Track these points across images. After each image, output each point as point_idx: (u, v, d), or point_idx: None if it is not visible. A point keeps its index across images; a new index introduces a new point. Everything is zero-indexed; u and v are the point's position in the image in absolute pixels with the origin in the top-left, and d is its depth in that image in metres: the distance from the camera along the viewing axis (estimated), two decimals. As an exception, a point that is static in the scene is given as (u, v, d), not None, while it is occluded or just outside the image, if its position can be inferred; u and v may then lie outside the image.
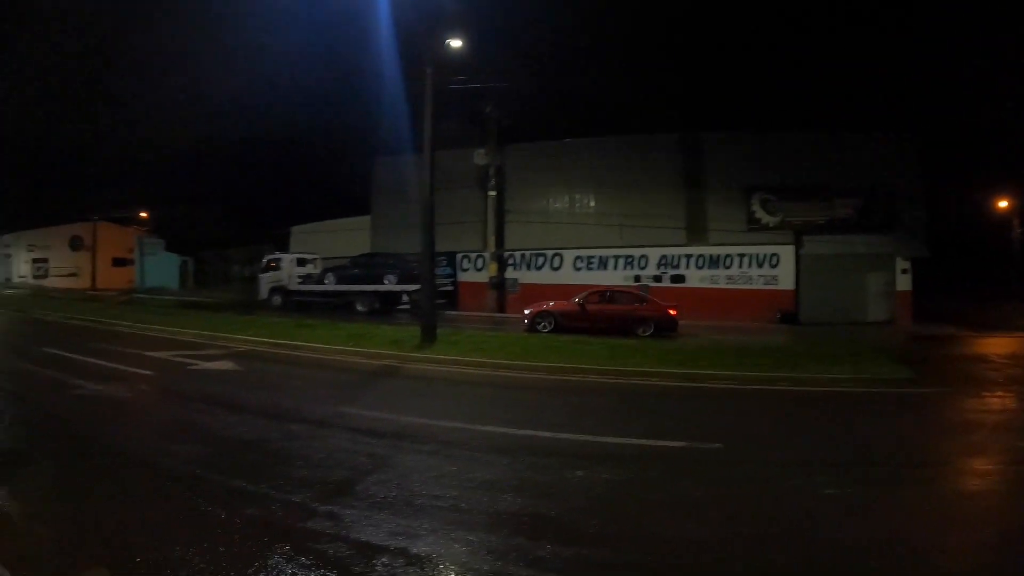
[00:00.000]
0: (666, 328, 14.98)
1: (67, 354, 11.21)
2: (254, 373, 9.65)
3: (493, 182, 22.27)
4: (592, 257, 21.48)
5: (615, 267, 21.27)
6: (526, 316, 15.57)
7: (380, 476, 4.60)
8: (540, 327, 15.05)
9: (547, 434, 5.68)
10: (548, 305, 15.78)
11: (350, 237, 28.04)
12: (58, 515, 4.01)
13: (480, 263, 23.15)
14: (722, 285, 20.10)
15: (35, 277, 47.23)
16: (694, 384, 8.42)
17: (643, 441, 5.45)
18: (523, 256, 22.60)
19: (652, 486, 4.47)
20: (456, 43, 12.71)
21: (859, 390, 8.34)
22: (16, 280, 47.53)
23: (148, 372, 9.37)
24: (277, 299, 22.37)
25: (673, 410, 7.27)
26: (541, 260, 22.34)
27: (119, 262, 45.93)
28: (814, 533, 3.69)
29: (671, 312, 15.30)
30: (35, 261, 48.22)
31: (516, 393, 8.27)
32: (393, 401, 7.65)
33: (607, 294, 16.20)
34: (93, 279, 40.13)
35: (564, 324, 14.74)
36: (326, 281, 21.50)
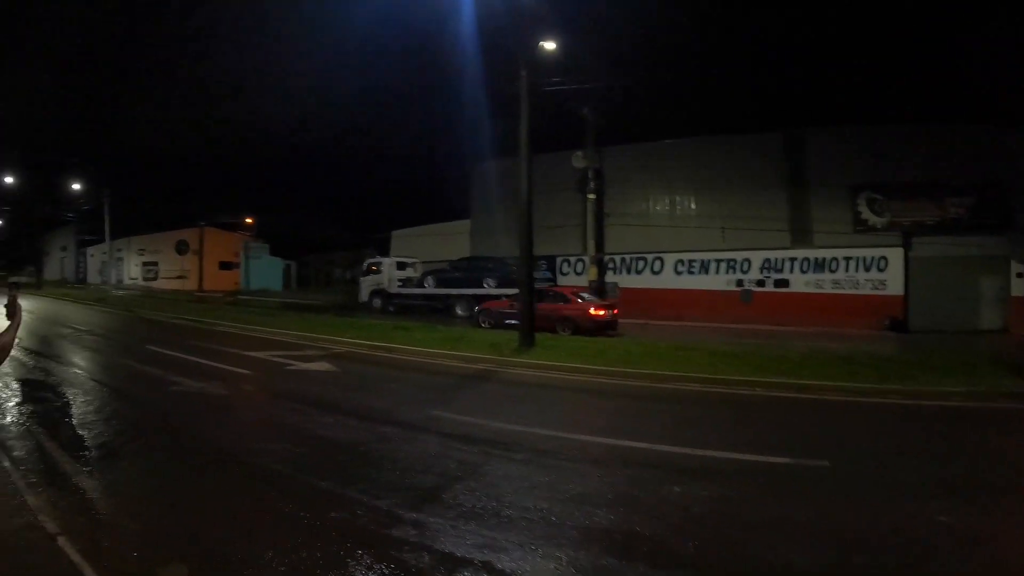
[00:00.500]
0: (589, 329, 16.63)
1: (169, 352, 13.13)
2: (350, 374, 10.71)
3: (592, 185, 23.93)
4: (693, 261, 23.48)
5: (716, 271, 23.01)
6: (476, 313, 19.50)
7: (469, 484, 4.97)
8: (483, 324, 18.84)
9: (644, 445, 6.01)
10: (489, 303, 19.83)
11: (450, 241, 31.80)
12: (146, 509, 4.60)
13: (580, 267, 25.22)
14: (827, 290, 21.50)
15: (145, 279, 57.61)
16: (800, 395, 8.81)
17: (745, 456, 5.69)
18: (623, 260, 24.78)
19: (754, 506, 4.61)
20: (550, 45, 13.99)
21: (974, 405, 8.51)
22: (127, 282, 57.50)
23: (246, 371, 10.74)
24: (377, 302, 25.72)
25: (777, 423, 7.56)
26: (641, 264, 24.50)
27: (225, 265, 53.97)
28: (929, 565, 3.80)
29: (593, 313, 17.36)
30: (145, 264, 59.35)
31: (614, 401, 8.75)
32: (487, 406, 8.24)
33: (540, 294, 17.63)
34: (200, 281, 46.23)
35: (499, 322, 17.99)
36: (426, 284, 24.38)
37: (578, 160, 23.77)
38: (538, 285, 18.94)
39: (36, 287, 51.87)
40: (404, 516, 4.34)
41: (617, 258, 24.83)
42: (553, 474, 5.24)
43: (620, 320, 18.47)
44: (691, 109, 34.47)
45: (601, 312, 17.61)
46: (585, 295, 19.26)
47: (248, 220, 54.51)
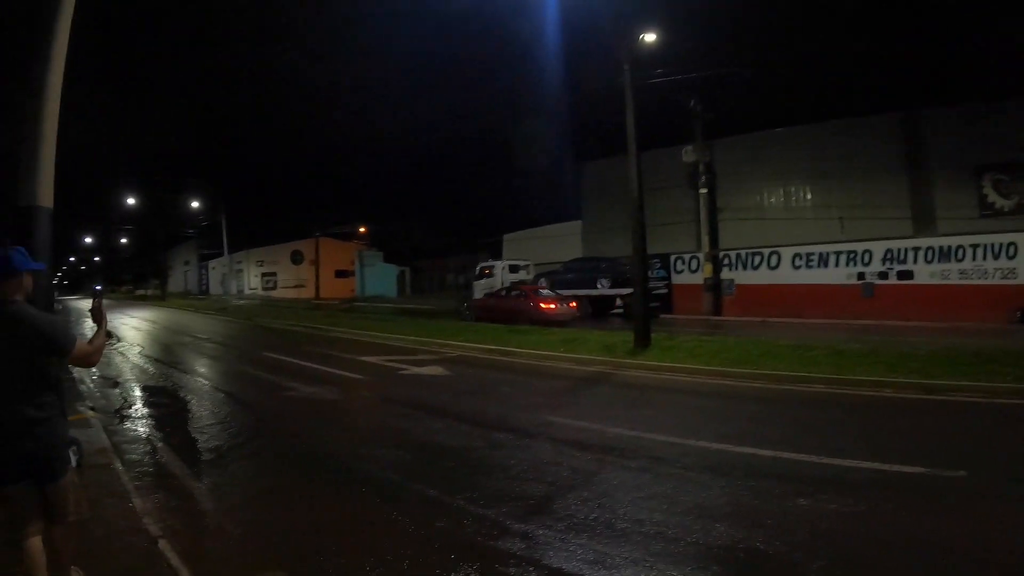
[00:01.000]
0: (543, 322, 19.62)
1: (285, 358, 14.02)
2: (463, 379, 10.95)
3: (703, 179, 25.03)
4: (811, 254, 23.36)
5: (836, 264, 22.74)
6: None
7: (582, 494, 4.90)
8: (467, 316, 23.20)
9: (767, 453, 5.91)
10: (476, 298, 24.79)
11: (562, 242, 33.93)
12: (250, 514, 4.79)
13: (695, 264, 25.82)
14: (954, 280, 20.82)
15: (264, 289, 63.79)
16: (931, 397, 8.53)
17: (875, 465, 5.50)
18: (738, 256, 25.10)
19: (887, 521, 4.42)
20: (651, 37, 14.10)
21: None
22: (247, 292, 64.37)
23: (359, 376, 11.23)
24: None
25: (908, 428, 7.30)
26: (757, 259, 24.61)
27: (341, 273, 59.10)
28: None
29: (543, 306, 20.82)
30: (264, 275, 65.51)
31: (734, 404, 8.64)
32: (602, 410, 8.17)
33: (508, 291, 23.09)
34: (317, 290, 50.77)
35: (482, 315, 22.05)
36: (539, 287, 25.18)
37: (688, 154, 24.87)
38: (652, 284, 20.68)
39: (160, 299, 58.15)
40: (512, 527, 4.30)
41: (732, 254, 25.17)
42: (670, 483, 5.17)
43: (735, 318, 20.35)
44: (802, 94, 33.44)
45: (552, 306, 20.95)
46: (544, 291, 22.63)
47: (362, 229, 58.64)
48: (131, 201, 44.47)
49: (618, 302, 23.40)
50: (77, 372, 11.52)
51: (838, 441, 6.36)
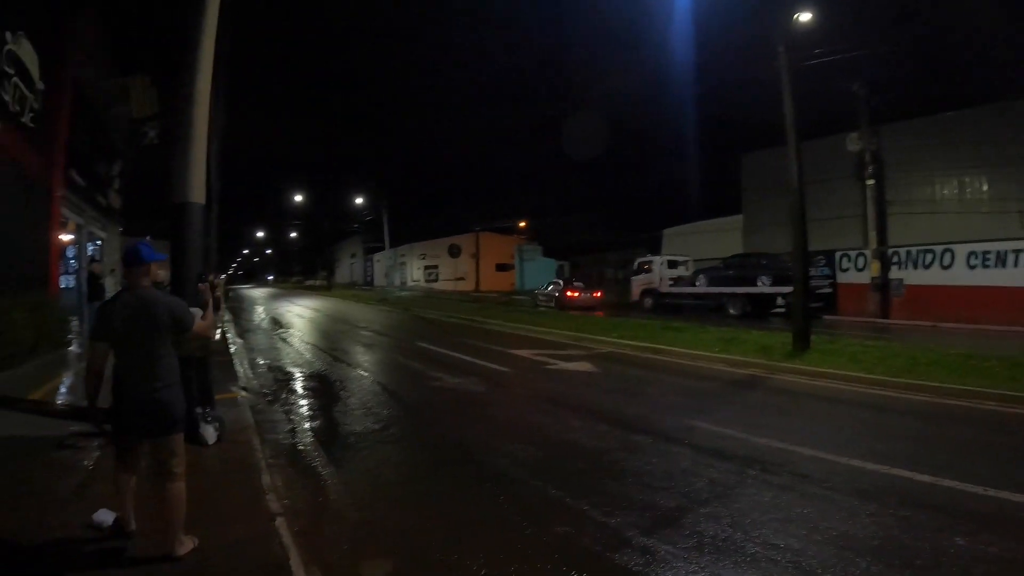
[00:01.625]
0: (567, 307, 26.83)
1: (436, 349, 14.52)
2: (610, 376, 10.80)
3: (870, 169, 24.04)
4: (988, 252, 21.33)
5: (1015, 263, 20.57)
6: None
7: (715, 509, 4.60)
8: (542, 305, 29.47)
9: (926, 478, 5.41)
10: (555, 292, 29.36)
11: (721, 237, 34.06)
12: (371, 500, 4.91)
13: (861, 262, 24.40)
14: None
15: (427, 281, 68.22)
16: None
17: None
18: (908, 253, 23.44)
19: None
20: (807, 15, 13.52)
21: None
22: (410, 284, 69.19)
23: (506, 369, 11.41)
24: (648, 301, 27.80)
25: None
26: (929, 257, 22.86)
27: (501, 267, 61.57)
28: None
29: (568, 295, 27.83)
30: (426, 267, 70.13)
31: (894, 419, 7.96)
32: (750, 417, 7.70)
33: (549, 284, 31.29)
34: (477, 282, 52.91)
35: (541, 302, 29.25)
36: (697, 283, 25.78)
37: (852, 142, 24.19)
38: (815, 282, 20.24)
39: (327, 289, 63.26)
40: (633, 540, 4.11)
41: (901, 251, 23.53)
42: (813, 506, 4.76)
43: (904, 322, 19.81)
44: (979, 73, 29.91)
45: (575, 295, 27.62)
46: (576, 283, 30.10)
47: (522, 224, 60.76)
48: (299, 198, 48.57)
49: (779, 301, 22.89)
50: (236, 355, 12.62)
51: (1010, 470, 5.64)
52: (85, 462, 5.46)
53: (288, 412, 8.14)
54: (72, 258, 17.20)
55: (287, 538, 3.92)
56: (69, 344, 11.22)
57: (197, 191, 6.71)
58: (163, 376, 3.84)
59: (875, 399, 8.86)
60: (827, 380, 10.13)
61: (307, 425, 7.43)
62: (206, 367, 6.76)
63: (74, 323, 13.60)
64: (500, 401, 8.97)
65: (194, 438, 5.99)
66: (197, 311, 4.24)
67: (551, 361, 12.25)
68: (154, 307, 3.80)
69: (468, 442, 6.67)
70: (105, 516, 4.07)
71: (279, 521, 4.17)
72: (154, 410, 3.78)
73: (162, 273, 5.29)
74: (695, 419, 7.44)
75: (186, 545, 3.73)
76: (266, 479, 5.01)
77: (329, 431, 7.14)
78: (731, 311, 23.55)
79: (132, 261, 3.87)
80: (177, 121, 6.86)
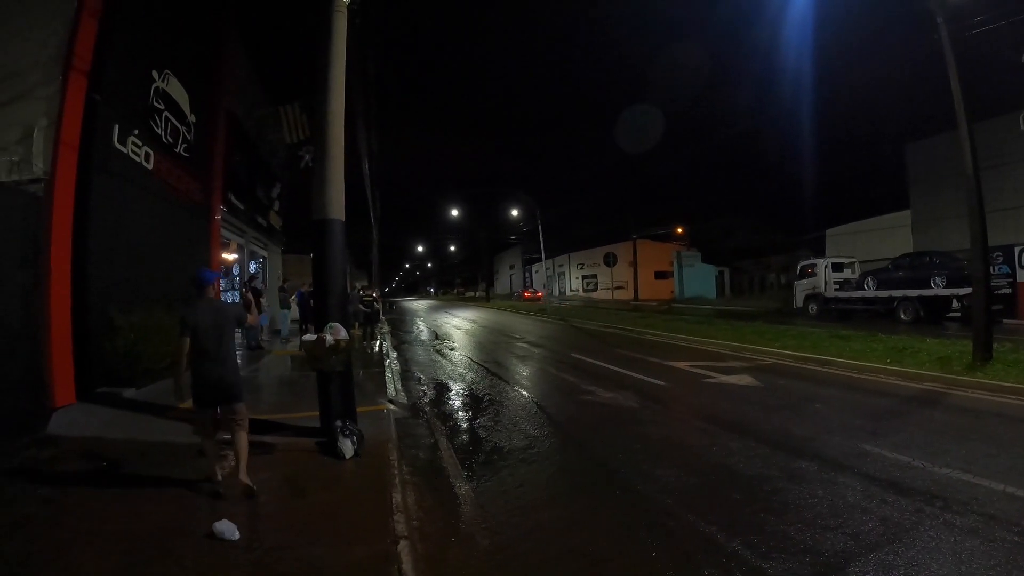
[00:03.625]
0: None
1: (591, 360, 14.26)
2: (773, 391, 10.00)
3: None
4: None
5: None
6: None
7: (887, 557, 3.97)
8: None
9: None
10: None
11: (889, 236, 32.93)
12: (504, 525, 4.68)
13: None
14: None
15: (585, 291, 68.84)
16: None
17: None
18: None
19: None
20: None
21: None
22: (568, 293, 70.02)
23: (661, 383, 10.90)
24: (813, 307, 26.30)
25: None
26: None
27: (660, 275, 61.17)
28: None
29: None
30: (585, 277, 70.95)
31: None
32: (929, 442, 6.77)
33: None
34: (635, 291, 52.29)
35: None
36: (865, 286, 24.03)
37: None
38: (995, 282, 18.47)
39: (485, 300, 65.24)
40: None
41: None
42: (1002, 556, 3.96)
43: None
44: None
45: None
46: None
47: (679, 230, 59.65)
48: (457, 212, 50.65)
49: (954, 304, 20.72)
50: (388, 369, 12.96)
51: None
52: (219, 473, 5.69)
53: (432, 427, 8.14)
54: (236, 275, 18.63)
55: (407, 564, 3.75)
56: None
57: (336, 207, 6.88)
58: (230, 360, 5.43)
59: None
60: (1014, 397, 8.98)
61: (450, 441, 7.36)
62: (347, 381, 6.88)
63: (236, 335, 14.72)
64: (653, 418, 8.48)
65: (331, 451, 6.07)
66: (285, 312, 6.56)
67: (710, 374, 11.63)
68: (223, 309, 5.65)
69: (616, 464, 6.27)
70: (226, 527, 4.15)
71: (403, 545, 4.01)
72: (223, 384, 5.34)
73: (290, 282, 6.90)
74: (866, 443, 6.67)
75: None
76: (397, 497, 4.92)
77: (471, 447, 7.04)
78: (902, 316, 21.85)
79: (203, 282, 5.63)
80: (315, 141, 7.10)
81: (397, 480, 5.38)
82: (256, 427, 7.24)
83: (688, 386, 10.73)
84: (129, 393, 8.97)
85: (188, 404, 5.38)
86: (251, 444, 6.06)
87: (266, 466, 5.85)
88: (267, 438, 6.78)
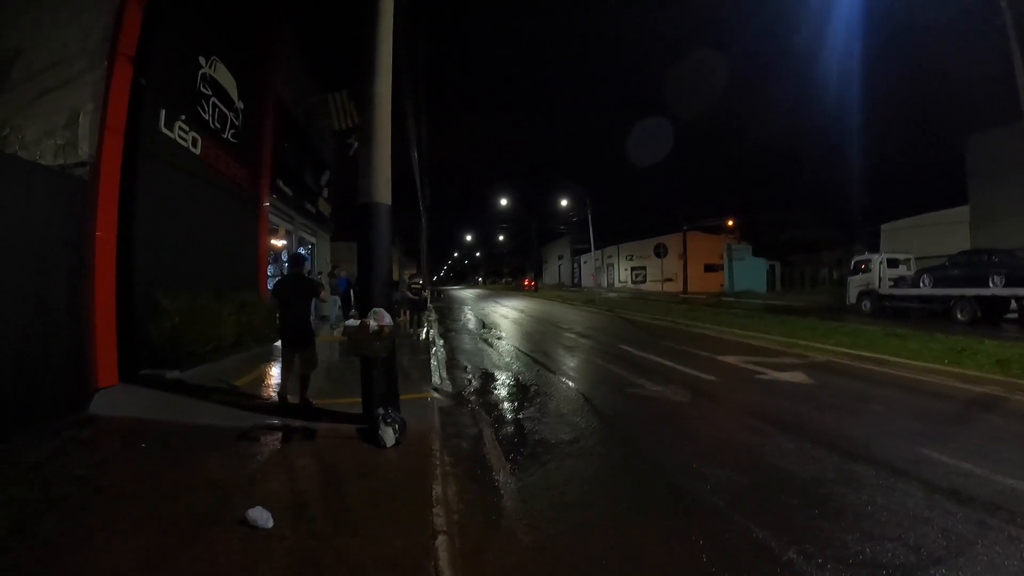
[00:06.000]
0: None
1: (639, 353, 13.97)
2: (827, 390, 9.60)
3: None
4: None
5: None
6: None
7: (948, 572, 3.69)
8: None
9: None
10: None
11: (947, 232, 31.77)
12: (549, 522, 4.53)
13: None
14: None
15: (634, 282, 68.36)
16: None
17: None
18: None
19: None
20: None
21: None
22: (617, 285, 69.66)
23: (711, 377, 10.58)
24: (866, 304, 25.54)
25: None
26: None
27: (710, 268, 60.04)
28: None
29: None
30: (633, 268, 70.31)
31: None
32: (991, 448, 6.36)
33: None
34: (684, 283, 51.64)
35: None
36: (922, 284, 23.23)
37: None
38: None
39: (534, 290, 65.42)
40: None
41: None
42: None
43: None
44: None
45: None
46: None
47: (729, 223, 59.52)
48: (506, 202, 50.75)
49: (1012, 304, 19.99)
50: (434, 357, 12.87)
51: None
52: (259, 456, 5.61)
53: (476, 416, 8.01)
54: (285, 261, 18.79)
55: (444, 560, 3.59)
56: (275, 339, 12.07)
57: (382, 191, 6.75)
58: (305, 317, 7.87)
59: None
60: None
61: (494, 432, 7.21)
62: (391, 368, 6.77)
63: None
64: (703, 414, 8.20)
65: (372, 439, 5.95)
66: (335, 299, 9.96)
67: (761, 370, 11.24)
68: (304, 282, 8.00)
69: (665, 461, 6.05)
70: (259, 514, 4.05)
71: (440, 540, 3.85)
72: (301, 335, 7.61)
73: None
74: (925, 447, 6.30)
75: (292, 399, 7.53)
76: (438, 490, 4.76)
77: (516, 439, 6.87)
78: (958, 316, 20.79)
79: (299, 261, 8.20)
80: (361, 123, 6.98)
81: (438, 471, 5.22)
82: (298, 412, 7.21)
83: (739, 381, 10.39)
84: (172, 375, 9.08)
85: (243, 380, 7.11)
86: (292, 429, 6.61)
87: (305, 452, 5.78)
88: (307, 423, 6.71)
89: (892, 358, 12.04)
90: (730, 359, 12.64)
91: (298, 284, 7.69)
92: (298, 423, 6.75)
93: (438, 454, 5.79)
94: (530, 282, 69.45)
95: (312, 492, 4.71)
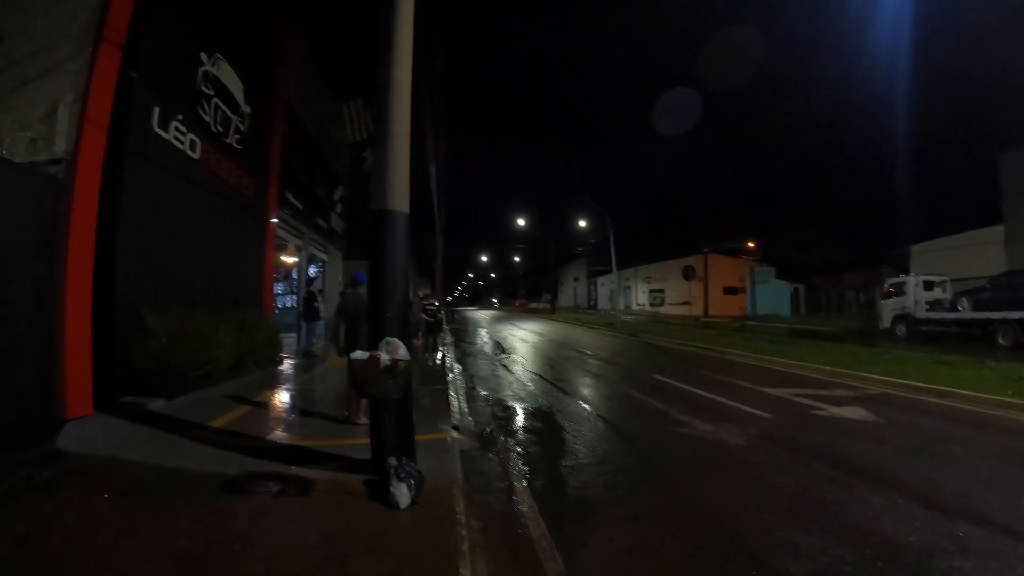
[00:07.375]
0: None
1: (675, 383, 12.86)
2: (895, 427, 8.65)
3: None
4: None
5: None
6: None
7: None
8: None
9: None
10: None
11: (981, 253, 30.71)
12: None
13: None
14: None
15: (651, 305, 67.83)
16: None
17: None
18: None
19: None
20: None
21: None
22: (634, 307, 69.01)
23: (763, 414, 9.47)
24: (901, 328, 24.69)
25: None
26: None
27: (730, 291, 59.41)
28: None
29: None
30: (651, 291, 69.65)
31: None
32: None
33: None
34: (705, 307, 50.53)
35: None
36: (960, 307, 22.41)
37: None
38: None
39: (550, 312, 64.62)
40: None
41: None
42: None
43: None
44: None
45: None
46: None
47: (750, 244, 58.10)
48: (522, 222, 50.17)
49: None
50: (452, 386, 11.79)
51: None
52: (241, 515, 4.50)
53: (505, 463, 6.86)
54: (295, 279, 17.83)
55: None
56: (279, 363, 11.06)
57: (399, 198, 5.72)
58: (363, 332, 7.12)
59: None
60: None
61: (528, 483, 6.08)
62: (406, 410, 5.60)
63: (290, 341, 13.72)
64: (768, 460, 7.04)
65: (383, 496, 4.81)
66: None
67: (816, 404, 10.17)
68: (363, 300, 7.38)
69: (735, 521, 4.95)
70: None
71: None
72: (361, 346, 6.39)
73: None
74: (1034, 499, 5.22)
75: (363, 420, 7.59)
76: (465, 571, 3.66)
77: (555, 494, 5.73)
78: (1000, 340, 19.70)
79: (358, 282, 8.35)
80: (376, 121, 6.00)
81: (465, 545, 4.09)
82: (297, 456, 6.14)
83: (795, 418, 9.28)
84: (156, 405, 8.05)
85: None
86: (288, 479, 5.39)
87: (301, 512, 4.64)
88: (307, 471, 5.59)
89: (952, 389, 11.18)
90: (777, 391, 11.59)
91: (357, 301, 7.89)
92: (294, 470, 5.63)
93: (463, 519, 4.63)
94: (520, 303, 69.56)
95: (304, 575, 3.62)
